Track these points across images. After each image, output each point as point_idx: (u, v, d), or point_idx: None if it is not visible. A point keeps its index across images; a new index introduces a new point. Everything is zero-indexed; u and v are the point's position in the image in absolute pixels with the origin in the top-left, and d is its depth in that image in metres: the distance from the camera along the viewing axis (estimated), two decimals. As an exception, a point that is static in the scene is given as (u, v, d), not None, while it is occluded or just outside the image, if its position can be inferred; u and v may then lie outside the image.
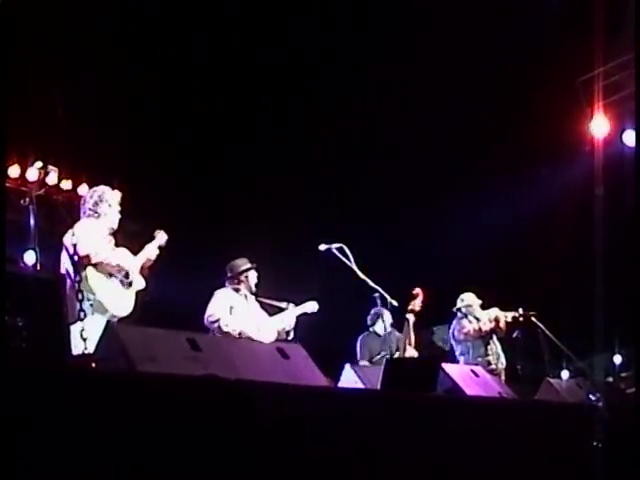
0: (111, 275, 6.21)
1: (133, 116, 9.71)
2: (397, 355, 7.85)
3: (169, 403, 3.34)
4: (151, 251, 6.64)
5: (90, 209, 6.37)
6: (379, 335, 8.95)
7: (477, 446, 4.42)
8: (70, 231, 6.17)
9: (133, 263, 6.43)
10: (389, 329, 8.81)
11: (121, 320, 6.11)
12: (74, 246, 5.97)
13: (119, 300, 6.22)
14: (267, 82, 10.54)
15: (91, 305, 5.97)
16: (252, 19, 9.97)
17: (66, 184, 10.44)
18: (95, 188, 6.54)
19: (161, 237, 6.75)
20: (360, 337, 9.06)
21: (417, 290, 7.68)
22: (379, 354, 8.58)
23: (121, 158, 9.69)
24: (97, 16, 8.90)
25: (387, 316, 8.71)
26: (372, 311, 9.02)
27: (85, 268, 6.05)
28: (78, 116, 9.32)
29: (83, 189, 10.00)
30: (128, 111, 9.63)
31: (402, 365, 5.96)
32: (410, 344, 7.86)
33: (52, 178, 9.38)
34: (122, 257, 6.35)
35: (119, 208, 6.47)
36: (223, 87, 10.53)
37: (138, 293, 6.43)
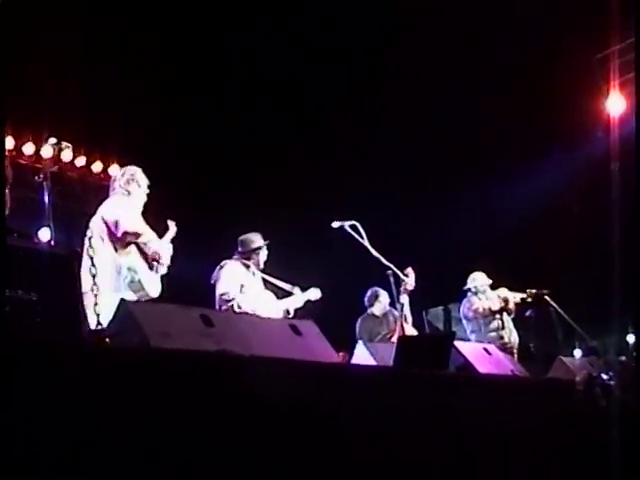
0: (147, 257, 6.32)
1: (147, 94, 9.70)
2: (395, 335, 7.79)
3: (183, 379, 3.35)
4: (166, 245, 6.64)
5: (121, 186, 6.49)
6: (377, 316, 8.86)
7: (489, 424, 4.42)
8: (105, 206, 6.28)
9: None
10: (387, 309, 8.77)
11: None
12: (116, 222, 6.10)
13: (154, 282, 6.34)
14: (279, 61, 10.53)
15: (131, 282, 6.10)
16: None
17: (80, 161, 10.47)
18: (127, 167, 6.68)
19: (173, 229, 6.73)
20: (359, 319, 8.93)
21: (409, 269, 7.63)
22: (378, 335, 8.50)
23: (134, 135, 9.71)
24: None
25: (384, 297, 8.66)
26: (369, 292, 8.94)
27: (128, 245, 6.18)
28: (94, 93, 9.34)
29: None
30: (143, 88, 9.64)
31: (415, 342, 5.97)
32: (407, 322, 7.83)
33: (67, 155, 9.37)
34: (157, 242, 6.43)
35: (147, 191, 6.56)
36: (231, 66, 10.54)
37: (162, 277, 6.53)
